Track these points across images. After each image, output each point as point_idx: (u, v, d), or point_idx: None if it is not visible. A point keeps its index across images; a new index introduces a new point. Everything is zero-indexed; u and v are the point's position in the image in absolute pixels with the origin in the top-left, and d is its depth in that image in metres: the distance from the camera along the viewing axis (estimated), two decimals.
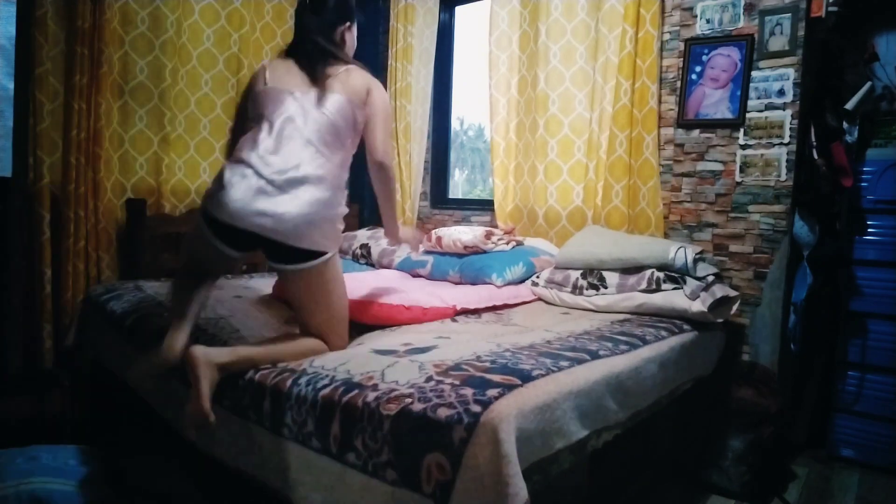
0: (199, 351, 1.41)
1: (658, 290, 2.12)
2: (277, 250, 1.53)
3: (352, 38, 1.81)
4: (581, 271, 2.32)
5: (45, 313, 2.40)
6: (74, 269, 2.47)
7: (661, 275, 2.14)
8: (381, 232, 3.16)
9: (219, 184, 1.51)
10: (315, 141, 1.58)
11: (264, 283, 2.64)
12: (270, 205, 1.48)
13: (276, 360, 1.51)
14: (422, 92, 3.38)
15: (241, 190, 1.48)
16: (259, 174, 1.50)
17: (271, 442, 1.40)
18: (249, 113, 1.68)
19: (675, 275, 2.14)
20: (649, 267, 2.19)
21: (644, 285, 2.14)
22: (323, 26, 1.70)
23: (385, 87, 3.46)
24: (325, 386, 1.34)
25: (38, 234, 2.38)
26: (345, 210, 1.64)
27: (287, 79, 1.65)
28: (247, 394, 1.48)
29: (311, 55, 1.66)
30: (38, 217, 2.37)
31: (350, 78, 1.67)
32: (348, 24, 1.77)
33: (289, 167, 1.52)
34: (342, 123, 1.63)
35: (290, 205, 1.49)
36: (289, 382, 1.40)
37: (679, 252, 2.15)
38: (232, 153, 1.62)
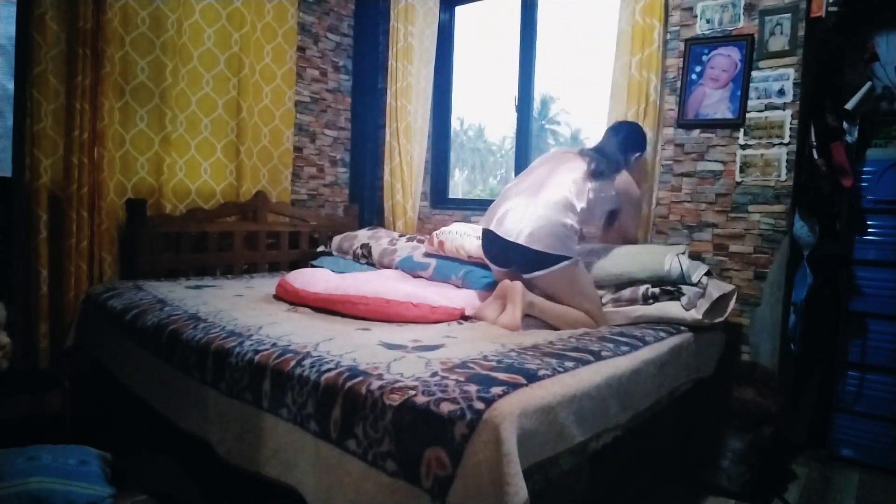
0: (519, 285, 1.93)
1: (654, 302, 2.08)
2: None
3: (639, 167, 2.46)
4: None
5: (41, 313, 2.39)
6: (77, 270, 2.47)
7: (657, 290, 2.09)
8: (381, 232, 3.16)
9: None
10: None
11: (265, 283, 2.65)
12: None
13: (559, 319, 1.96)
14: (422, 92, 3.38)
15: None
16: None
17: (268, 423, 1.42)
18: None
19: (671, 288, 2.09)
20: (644, 281, 2.13)
21: (640, 301, 2.10)
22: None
23: (385, 88, 3.48)
24: (329, 370, 1.35)
25: (34, 234, 2.37)
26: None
27: None
28: (246, 374, 1.49)
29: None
30: (35, 217, 2.37)
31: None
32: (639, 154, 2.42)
33: None
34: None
35: None
36: (292, 363, 1.42)
37: (674, 262, 2.11)
38: None
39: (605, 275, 2.19)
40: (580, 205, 2.06)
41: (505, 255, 2.05)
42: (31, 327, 2.40)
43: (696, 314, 2.01)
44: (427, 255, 2.73)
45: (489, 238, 2.10)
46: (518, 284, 1.94)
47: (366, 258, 3.02)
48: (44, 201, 2.39)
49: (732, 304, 2.21)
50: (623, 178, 2.25)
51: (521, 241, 1.95)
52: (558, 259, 1.95)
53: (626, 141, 2.35)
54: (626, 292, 2.14)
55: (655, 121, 2.51)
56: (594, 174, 2.15)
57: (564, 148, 2.39)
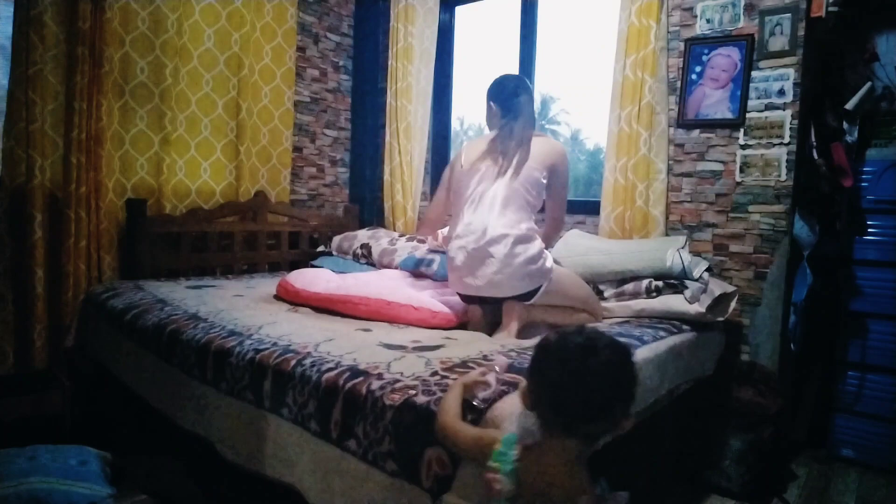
0: (516, 304, 1.86)
1: (657, 296, 2.11)
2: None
3: None
4: None
5: (38, 314, 2.39)
6: (76, 270, 2.47)
7: (660, 283, 2.10)
8: (380, 232, 3.16)
9: None
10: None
11: (265, 283, 2.65)
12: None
13: (560, 321, 1.90)
14: (422, 92, 3.38)
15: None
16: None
17: (269, 423, 1.42)
18: None
19: (674, 281, 2.10)
20: (646, 277, 2.15)
21: (643, 294, 2.12)
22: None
23: (385, 87, 3.47)
24: (329, 370, 1.35)
25: (29, 235, 2.37)
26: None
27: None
28: (247, 374, 1.50)
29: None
30: (30, 217, 2.37)
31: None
32: None
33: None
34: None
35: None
36: (293, 363, 1.42)
37: (675, 257, 2.12)
38: None
39: (606, 272, 2.20)
40: (529, 201, 1.91)
41: (480, 299, 1.93)
42: (28, 328, 2.39)
43: (699, 307, 2.01)
44: (431, 251, 2.73)
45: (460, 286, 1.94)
46: (515, 303, 1.88)
47: (366, 258, 3.02)
48: (39, 202, 2.38)
49: (734, 304, 2.22)
50: (548, 148, 1.97)
51: (497, 294, 1.86)
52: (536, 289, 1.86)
53: (530, 100, 2.05)
54: (629, 286, 2.16)
55: (650, 122, 2.51)
56: (517, 167, 1.90)
57: (480, 146, 2.00)
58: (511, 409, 1.13)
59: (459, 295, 1.98)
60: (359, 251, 3.05)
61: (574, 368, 0.89)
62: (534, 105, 2.11)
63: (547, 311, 1.96)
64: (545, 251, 1.92)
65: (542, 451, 0.92)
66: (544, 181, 1.94)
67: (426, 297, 2.02)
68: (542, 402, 0.94)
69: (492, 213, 1.85)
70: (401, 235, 3.09)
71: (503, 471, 0.88)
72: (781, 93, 2.30)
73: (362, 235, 3.14)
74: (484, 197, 1.89)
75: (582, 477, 0.90)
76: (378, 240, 3.04)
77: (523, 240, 1.84)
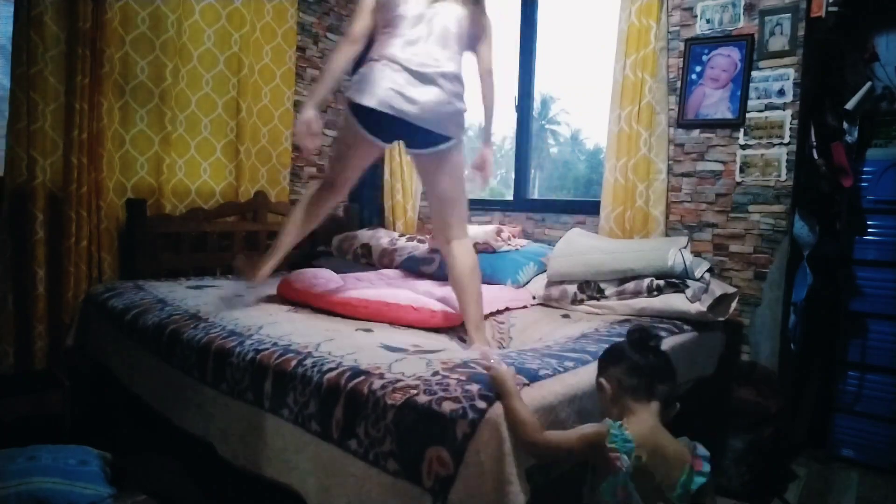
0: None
1: (658, 294, 2.11)
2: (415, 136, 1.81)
3: None
4: (577, 284, 2.28)
5: (38, 314, 2.39)
6: (76, 270, 2.46)
7: (661, 282, 2.11)
8: (380, 232, 3.16)
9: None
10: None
11: (266, 283, 2.64)
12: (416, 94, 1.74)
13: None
14: None
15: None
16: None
17: (269, 423, 1.42)
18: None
19: (676, 280, 2.11)
20: (648, 276, 2.15)
21: (644, 293, 2.13)
22: None
23: None
24: (331, 370, 1.35)
25: (30, 235, 2.37)
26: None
27: None
28: (247, 374, 1.50)
29: None
30: (31, 217, 2.37)
31: None
32: None
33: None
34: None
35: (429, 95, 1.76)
36: (293, 363, 1.42)
37: (677, 257, 2.13)
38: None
39: (608, 271, 2.21)
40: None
41: (392, 132, 1.85)
42: (28, 328, 2.39)
43: (700, 306, 2.02)
44: (432, 250, 2.73)
45: (379, 117, 1.78)
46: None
47: (365, 258, 3.02)
48: (40, 201, 2.38)
49: (734, 304, 2.22)
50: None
51: (429, 127, 1.79)
52: (446, 139, 1.83)
53: None
54: (631, 285, 2.16)
55: (650, 122, 2.51)
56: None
57: None
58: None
59: (368, 128, 1.81)
60: (359, 251, 3.05)
61: (645, 347, 1.22)
62: None
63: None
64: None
65: (639, 418, 1.14)
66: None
67: (426, 299, 2.02)
68: (626, 383, 1.18)
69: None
70: (401, 235, 3.09)
71: (622, 449, 1.06)
72: (781, 93, 2.31)
73: (362, 236, 3.14)
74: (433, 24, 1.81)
75: (671, 436, 1.16)
76: (378, 240, 3.04)
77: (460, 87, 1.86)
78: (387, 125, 1.78)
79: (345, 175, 2.00)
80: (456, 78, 1.84)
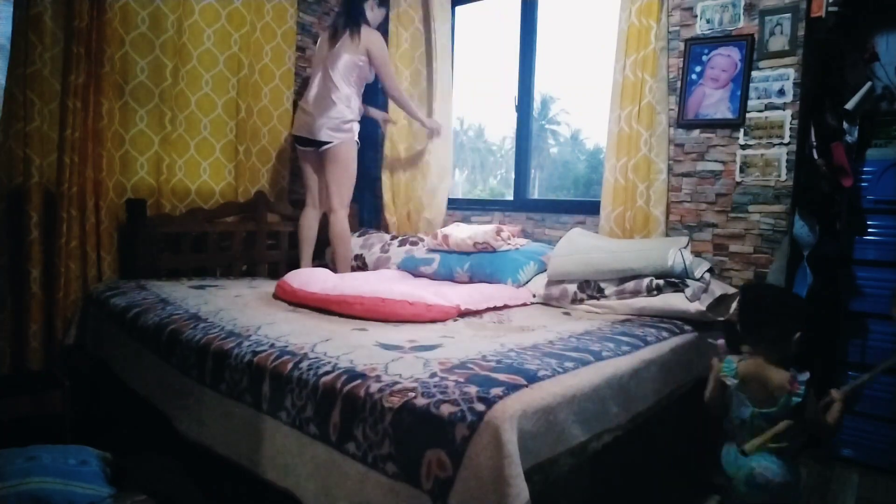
0: None
1: (658, 294, 2.11)
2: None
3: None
4: (577, 283, 2.28)
5: (33, 314, 2.39)
6: (67, 270, 2.46)
7: (661, 282, 2.11)
8: (373, 239, 3.15)
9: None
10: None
11: (266, 283, 2.65)
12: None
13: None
14: (445, 91, 3.32)
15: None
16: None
17: (268, 426, 1.42)
18: None
19: (675, 280, 2.11)
20: (647, 275, 2.16)
21: (644, 292, 2.13)
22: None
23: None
24: (326, 373, 1.35)
25: (25, 234, 2.36)
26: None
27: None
28: (245, 376, 1.49)
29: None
30: (27, 217, 2.36)
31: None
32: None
33: None
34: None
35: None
36: (290, 366, 1.42)
37: (677, 257, 2.13)
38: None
39: (608, 270, 2.21)
40: (351, 92, 2.82)
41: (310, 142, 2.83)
42: (23, 328, 2.39)
43: (699, 306, 2.02)
44: (431, 250, 2.73)
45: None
46: None
47: (360, 270, 3.01)
48: (36, 201, 2.38)
49: (735, 304, 2.22)
50: (368, 37, 2.82)
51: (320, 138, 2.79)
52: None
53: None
54: (630, 284, 2.16)
55: (650, 122, 2.51)
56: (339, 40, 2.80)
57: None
58: (511, 410, 1.13)
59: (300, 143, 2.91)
60: (353, 264, 3.03)
61: (746, 306, 1.64)
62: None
63: None
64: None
65: (748, 357, 1.57)
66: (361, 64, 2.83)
67: (421, 293, 2.02)
68: (748, 329, 1.59)
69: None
70: (392, 238, 3.08)
71: (729, 373, 1.56)
72: (781, 93, 2.30)
73: (354, 245, 3.11)
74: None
75: (778, 369, 1.51)
76: (370, 248, 3.03)
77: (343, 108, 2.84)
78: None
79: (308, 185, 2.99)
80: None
